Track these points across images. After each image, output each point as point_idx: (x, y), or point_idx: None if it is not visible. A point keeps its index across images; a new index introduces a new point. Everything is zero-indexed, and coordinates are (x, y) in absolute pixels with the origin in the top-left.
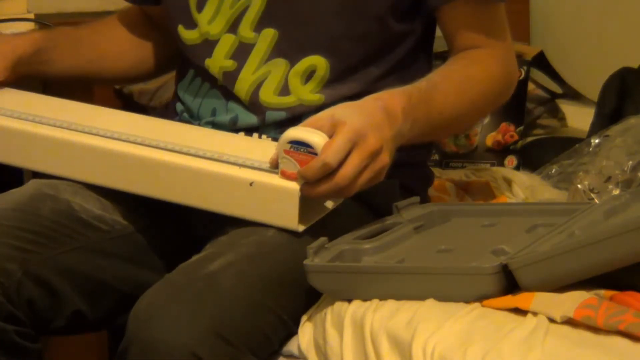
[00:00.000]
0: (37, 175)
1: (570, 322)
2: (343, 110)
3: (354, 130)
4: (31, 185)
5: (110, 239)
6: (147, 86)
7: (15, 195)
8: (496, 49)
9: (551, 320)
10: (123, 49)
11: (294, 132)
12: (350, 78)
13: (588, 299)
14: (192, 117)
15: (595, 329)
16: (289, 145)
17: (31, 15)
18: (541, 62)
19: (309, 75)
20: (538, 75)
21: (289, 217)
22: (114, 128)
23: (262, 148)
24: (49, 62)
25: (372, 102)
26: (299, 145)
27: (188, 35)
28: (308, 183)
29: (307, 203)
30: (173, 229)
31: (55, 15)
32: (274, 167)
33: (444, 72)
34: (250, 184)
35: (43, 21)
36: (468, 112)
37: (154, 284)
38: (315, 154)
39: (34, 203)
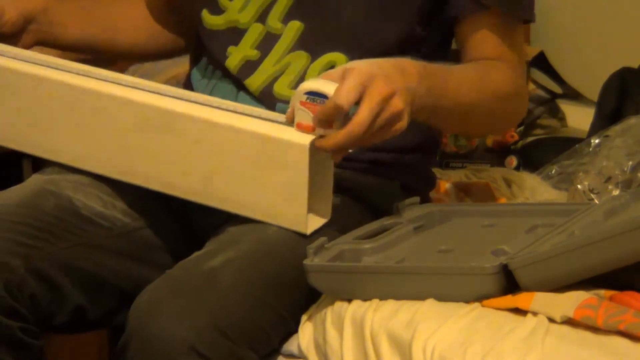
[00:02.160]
0: (36, 170)
1: (570, 322)
2: (354, 62)
3: (362, 73)
4: (32, 182)
5: (111, 236)
6: None
7: (17, 191)
8: (512, 64)
9: (551, 320)
10: (137, 24)
11: (310, 83)
12: None
13: (588, 299)
14: None
15: (595, 328)
16: (305, 96)
17: None
18: (541, 62)
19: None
20: (538, 75)
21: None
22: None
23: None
24: (60, 25)
25: (387, 59)
26: (315, 96)
27: (213, 21)
28: (323, 136)
29: (314, 196)
30: (173, 226)
31: None
32: (291, 121)
33: (460, 66)
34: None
35: None
36: (480, 107)
37: (154, 281)
38: None
39: (37, 199)
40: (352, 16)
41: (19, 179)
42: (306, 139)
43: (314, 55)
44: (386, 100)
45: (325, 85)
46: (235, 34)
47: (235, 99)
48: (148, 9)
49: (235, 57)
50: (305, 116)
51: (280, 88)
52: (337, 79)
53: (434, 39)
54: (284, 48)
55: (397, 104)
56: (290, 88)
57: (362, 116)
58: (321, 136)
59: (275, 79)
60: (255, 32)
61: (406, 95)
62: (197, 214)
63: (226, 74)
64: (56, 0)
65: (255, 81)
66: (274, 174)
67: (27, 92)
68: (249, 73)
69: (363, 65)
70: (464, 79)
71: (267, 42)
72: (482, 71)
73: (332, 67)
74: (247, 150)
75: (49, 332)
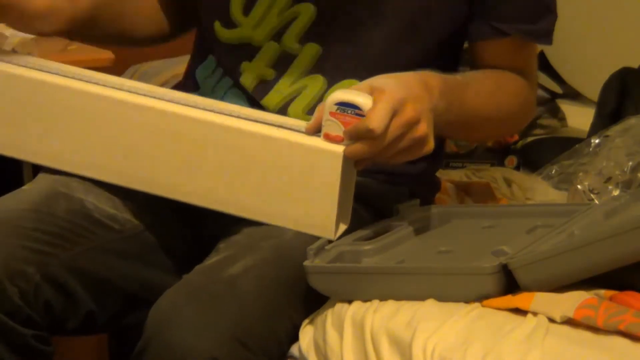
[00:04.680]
0: (37, 169)
1: (570, 322)
2: (381, 80)
3: (394, 98)
4: (43, 183)
5: (121, 239)
6: None
7: (29, 193)
8: (527, 76)
9: (551, 320)
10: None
11: (342, 94)
12: None
13: (588, 299)
14: None
15: (595, 328)
16: (336, 107)
17: None
18: (541, 62)
19: None
20: (538, 75)
21: (329, 193)
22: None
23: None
24: (94, 29)
25: (412, 76)
26: (346, 107)
27: (225, 34)
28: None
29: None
30: (183, 227)
31: None
32: (312, 132)
33: (477, 74)
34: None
35: None
36: (495, 116)
37: (162, 284)
38: (362, 115)
39: (49, 202)
40: (372, 43)
41: (19, 179)
42: (339, 147)
43: (331, 80)
44: (411, 125)
45: (358, 96)
46: (249, 50)
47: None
48: None
49: (249, 75)
50: (334, 127)
51: (295, 112)
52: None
53: (449, 55)
54: (301, 70)
55: (422, 128)
56: (305, 113)
57: (388, 137)
58: None
59: (291, 100)
60: (270, 51)
61: (431, 118)
62: (207, 214)
63: (237, 84)
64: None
65: (271, 101)
66: (304, 181)
67: (29, 97)
68: (264, 93)
69: (394, 89)
70: (481, 91)
71: (283, 62)
72: (499, 82)
73: None
74: (278, 158)
75: (58, 335)
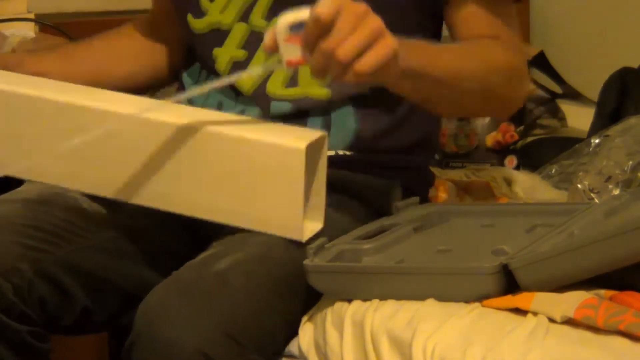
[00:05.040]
0: None
1: (570, 322)
2: None
3: None
4: (39, 183)
5: (117, 238)
6: None
7: (24, 193)
8: (510, 42)
9: (551, 320)
10: (125, 58)
11: (290, 17)
12: None
13: (588, 299)
14: None
15: (595, 328)
16: (288, 32)
17: (31, 15)
18: (541, 62)
19: None
20: (538, 75)
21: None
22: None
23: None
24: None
25: None
26: (299, 28)
27: (196, 24)
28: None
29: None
30: (179, 227)
31: (55, 15)
32: (270, 51)
33: (452, 43)
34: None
35: (43, 21)
36: (474, 77)
37: (159, 283)
38: None
39: (45, 201)
40: None
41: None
42: (302, 143)
43: None
44: (361, 17)
45: (304, 13)
46: (218, 35)
47: (234, 103)
48: (143, 37)
49: (222, 60)
50: (293, 50)
51: (274, 87)
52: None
53: (428, 30)
54: None
55: (374, 20)
56: (284, 86)
57: (340, 30)
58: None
59: (267, 78)
60: (239, 32)
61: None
62: None
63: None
64: (32, 54)
65: (246, 82)
66: (267, 181)
67: (14, 112)
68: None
69: None
70: (456, 49)
71: (253, 41)
72: (478, 44)
73: None
74: (238, 158)
75: (55, 333)
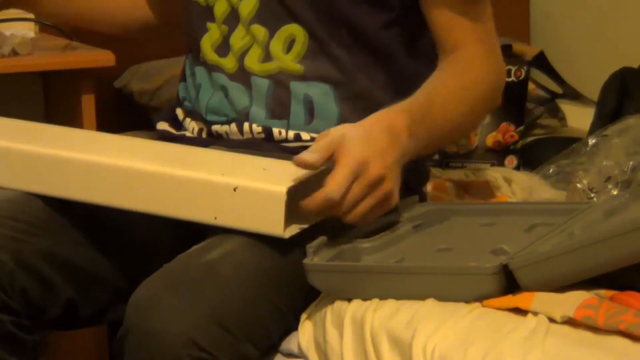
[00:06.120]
0: None
1: (570, 322)
2: (350, 134)
3: (356, 162)
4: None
5: (104, 233)
6: (147, 86)
7: (5, 189)
8: (487, 47)
9: (551, 320)
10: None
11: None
12: (327, 57)
13: (588, 299)
14: (189, 102)
15: (596, 328)
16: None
17: (31, 15)
18: (541, 62)
19: (289, 45)
20: (538, 75)
21: (275, 222)
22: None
23: (250, 161)
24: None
25: (376, 125)
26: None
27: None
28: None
29: (293, 209)
30: (169, 223)
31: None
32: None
33: (438, 82)
34: (234, 189)
35: (43, 21)
36: (467, 118)
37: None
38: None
39: (28, 195)
40: None
41: None
42: (281, 186)
43: (271, 29)
44: (373, 185)
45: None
46: (209, 10)
47: (211, 84)
48: None
49: (214, 32)
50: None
51: (251, 62)
52: (325, 150)
53: (398, 25)
54: (245, 22)
55: (386, 186)
56: (259, 62)
57: (348, 200)
58: None
59: (244, 53)
60: (221, 7)
61: (397, 169)
62: None
63: (198, 62)
64: None
65: (230, 60)
66: (249, 216)
67: None
68: (224, 52)
69: (355, 147)
70: (447, 100)
71: (232, 17)
72: (462, 78)
73: (293, 40)
74: (219, 201)
75: (44, 328)
